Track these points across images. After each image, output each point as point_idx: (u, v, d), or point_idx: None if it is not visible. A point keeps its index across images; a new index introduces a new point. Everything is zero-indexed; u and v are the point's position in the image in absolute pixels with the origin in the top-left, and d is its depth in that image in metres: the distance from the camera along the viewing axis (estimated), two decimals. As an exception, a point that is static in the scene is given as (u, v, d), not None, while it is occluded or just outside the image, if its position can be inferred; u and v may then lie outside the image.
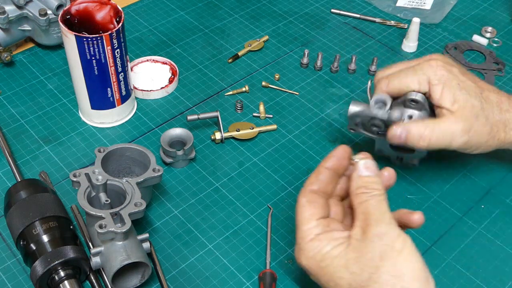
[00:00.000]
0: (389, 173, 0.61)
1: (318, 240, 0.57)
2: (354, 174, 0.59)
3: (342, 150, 0.61)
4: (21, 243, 0.64)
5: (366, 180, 0.58)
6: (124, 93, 0.81)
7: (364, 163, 0.59)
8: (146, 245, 0.64)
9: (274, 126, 0.83)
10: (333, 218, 0.61)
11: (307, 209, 0.59)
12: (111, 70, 0.77)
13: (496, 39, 0.99)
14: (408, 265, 0.53)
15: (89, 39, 0.73)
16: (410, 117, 0.69)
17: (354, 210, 0.57)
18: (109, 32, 0.73)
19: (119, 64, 0.77)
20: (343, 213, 0.62)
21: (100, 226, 0.61)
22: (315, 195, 0.60)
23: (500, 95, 0.70)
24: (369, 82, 0.77)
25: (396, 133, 0.68)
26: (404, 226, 0.59)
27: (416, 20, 0.94)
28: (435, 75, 0.68)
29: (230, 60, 0.94)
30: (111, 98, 0.80)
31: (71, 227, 0.66)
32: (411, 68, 0.70)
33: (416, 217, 0.58)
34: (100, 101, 0.80)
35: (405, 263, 0.53)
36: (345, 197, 0.63)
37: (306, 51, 0.92)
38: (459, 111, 0.67)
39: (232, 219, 0.72)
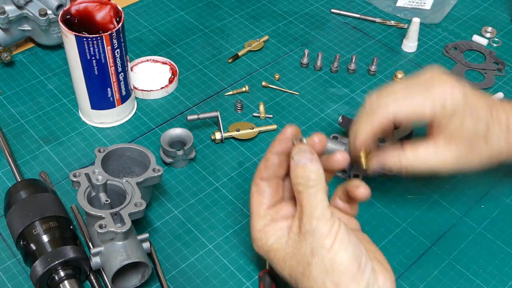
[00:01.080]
0: (341, 155, 0.58)
1: (264, 232, 0.59)
2: (291, 164, 0.56)
3: (287, 132, 0.58)
4: (21, 243, 0.64)
5: (301, 171, 0.55)
6: (124, 93, 0.81)
7: (297, 152, 0.56)
8: (146, 245, 0.64)
9: (274, 126, 0.83)
10: (285, 203, 0.61)
11: (256, 199, 0.60)
12: (111, 70, 0.77)
13: (496, 39, 0.99)
14: (337, 260, 0.53)
15: (89, 39, 0.73)
16: None
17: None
18: (109, 32, 0.73)
19: (119, 64, 0.77)
20: None
21: (100, 226, 0.61)
22: (264, 183, 0.60)
23: (509, 110, 0.64)
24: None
25: (376, 168, 0.64)
26: (352, 199, 0.60)
27: (416, 20, 0.94)
28: (452, 99, 0.59)
29: (230, 60, 0.94)
30: (111, 98, 0.80)
31: (71, 227, 0.66)
32: (421, 86, 0.60)
33: (362, 191, 0.57)
34: (100, 101, 0.80)
35: (334, 258, 0.54)
36: None
37: (306, 51, 0.92)
38: (457, 139, 0.62)
39: (232, 219, 0.72)
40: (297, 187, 0.56)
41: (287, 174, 0.61)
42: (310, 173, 0.55)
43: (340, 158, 0.58)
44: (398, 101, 0.60)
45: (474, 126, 0.61)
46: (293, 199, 0.61)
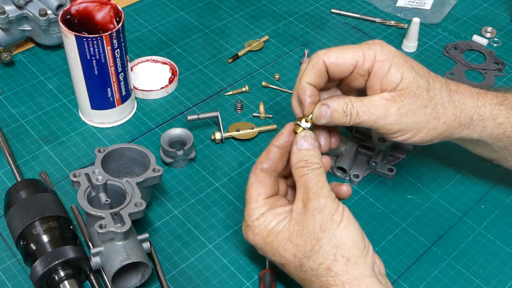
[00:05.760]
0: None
1: (263, 218, 0.60)
2: (293, 148, 0.60)
3: (290, 128, 0.62)
4: (21, 243, 0.64)
5: (305, 154, 0.59)
6: (124, 93, 0.81)
7: (303, 136, 0.60)
8: (146, 245, 0.64)
9: (274, 126, 0.83)
10: (280, 197, 0.63)
11: (256, 188, 0.62)
12: (111, 70, 0.77)
13: (496, 39, 0.99)
14: (346, 235, 0.56)
15: (89, 39, 0.73)
16: None
17: (296, 183, 0.59)
18: (109, 32, 0.73)
19: (119, 64, 0.77)
20: (286, 191, 0.66)
21: (100, 226, 0.61)
22: (265, 174, 0.62)
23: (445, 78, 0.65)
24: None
25: (321, 112, 0.61)
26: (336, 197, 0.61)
27: (416, 20, 0.94)
28: (382, 51, 0.60)
29: (230, 60, 0.94)
30: (111, 98, 0.80)
31: (71, 227, 0.66)
32: (353, 45, 0.62)
33: (344, 188, 0.61)
34: (100, 101, 0.80)
35: (343, 234, 0.56)
36: (289, 176, 0.65)
37: (306, 51, 0.92)
38: (401, 92, 0.60)
39: (232, 219, 0.72)
40: (301, 171, 0.58)
41: (284, 173, 0.64)
42: (314, 157, 0.59)
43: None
44: (329, 50, 0.61)
45: (415, 78, 0.61)
46: (287, 194, 0.65)
